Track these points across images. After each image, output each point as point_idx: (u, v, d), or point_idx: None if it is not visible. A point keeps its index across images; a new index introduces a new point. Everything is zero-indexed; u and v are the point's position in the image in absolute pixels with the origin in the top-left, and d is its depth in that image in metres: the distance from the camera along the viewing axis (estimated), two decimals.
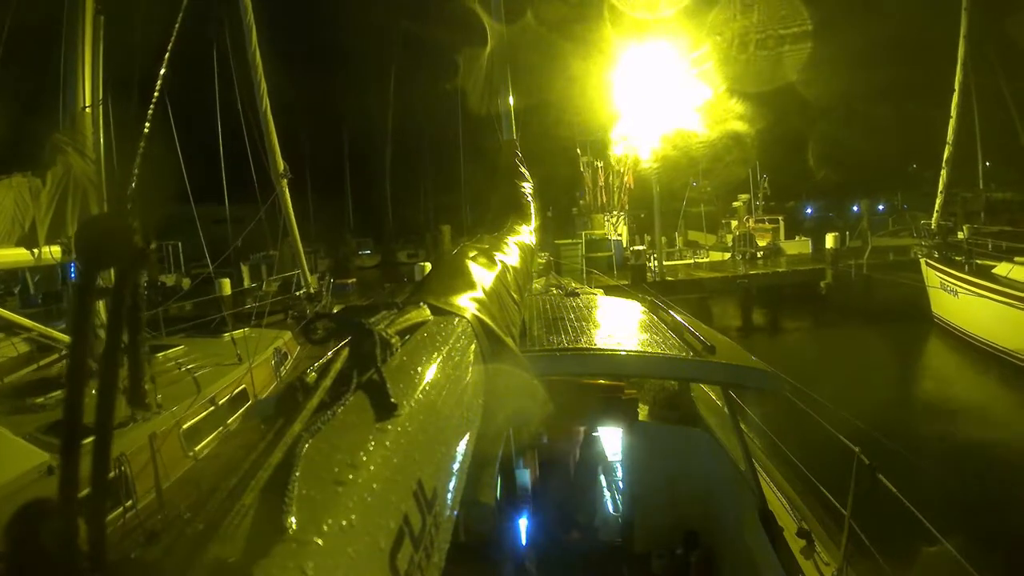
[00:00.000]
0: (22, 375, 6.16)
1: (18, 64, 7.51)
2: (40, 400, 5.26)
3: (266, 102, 9.54)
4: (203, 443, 6.02)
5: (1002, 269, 12.01)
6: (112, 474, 4.58)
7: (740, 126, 20.84)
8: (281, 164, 9.73)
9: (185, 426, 5.75)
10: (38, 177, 5.98)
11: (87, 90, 6.59)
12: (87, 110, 6.56)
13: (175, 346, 7.50)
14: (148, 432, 5.13)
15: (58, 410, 5.09)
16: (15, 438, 4.21)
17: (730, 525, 3.28)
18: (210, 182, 10.69)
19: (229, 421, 6.54)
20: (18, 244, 5.86)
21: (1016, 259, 11.77)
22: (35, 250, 5.93)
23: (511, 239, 2.60)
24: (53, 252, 6.06)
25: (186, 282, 17.60)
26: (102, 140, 6.69)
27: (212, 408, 6.27)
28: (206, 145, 10.74)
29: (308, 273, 11.05)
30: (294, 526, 0.53)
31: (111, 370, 0.56)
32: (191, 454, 5.78)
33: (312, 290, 10.92)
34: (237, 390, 6.83)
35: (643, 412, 3.98)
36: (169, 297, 11.62)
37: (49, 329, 6.42)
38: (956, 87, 14.73)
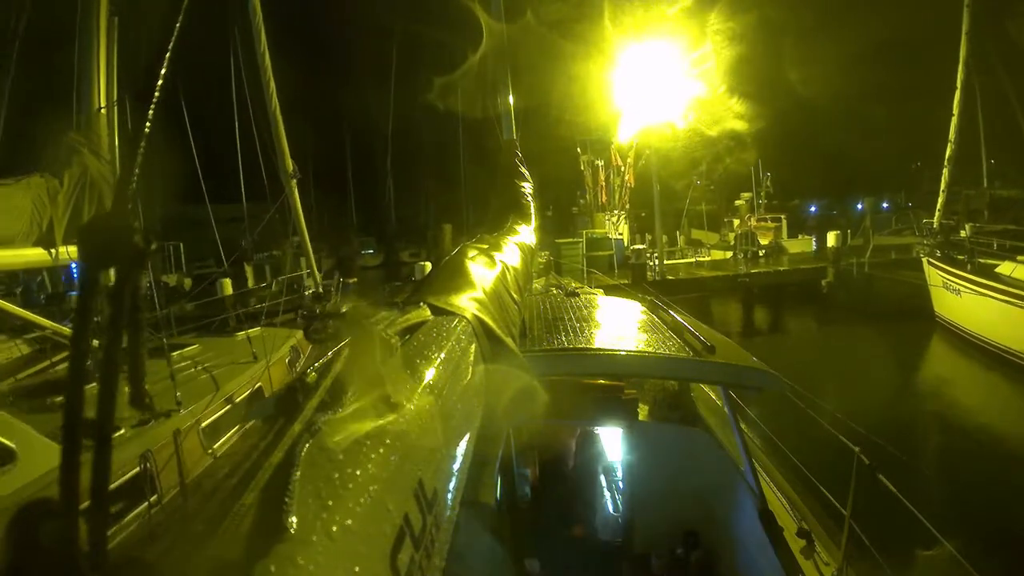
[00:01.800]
0: (37, 372, 6.20)
1: (33, 65, 7.52)
2: (58, 399, 5.28)
3: (275, 102, 9.55)
4: (222, 440, 6.06)
5: (1005, 268, 11.97)
6: (136, 470, 4.63)
7: (742, 125, 20.81)
8: (290, 164, 9.74)
9: (204, 424, 5.79)
10: (56, 178, 6.01)
11: (102, 91, 6.62)
12: (102, 111, 6.58)
13: (189, 345, 7.54)
14: (172, 429, 5.15)
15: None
16: (38, 436, 4.21)
17: (730, 525, 3.28)
18: (214, 182, 10.69)
19: (247, 418, 6.60)
20: (36, 244, 5.90)
21: (1019, 258, 11.73)
22: (53, 250, 5.97)
23: (511, 239, 2.60)
24: (71, 252, 6.09)
25: (187, 282, 17.62)
26: (117, 141, 6.71)
27: (230, 406, 6.31)
28: (211, 145, 10.75)
29: (318, 272, 11.07)
30: (294, 526, 0.53)
31: (111, 370, 0.56)
32: (211, 451, 5.83)
33: (321, 290, 10.93)
34: (254, 388, 6.88)
35: (643, 412, 3.99)
36: (173, 297, 11.63)
37: (63, 327, 6.45)
38: (958, 85, 14.69)
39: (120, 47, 6.83)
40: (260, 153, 9.83)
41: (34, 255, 5.92)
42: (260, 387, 6.98)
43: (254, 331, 8.40)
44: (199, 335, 8.57)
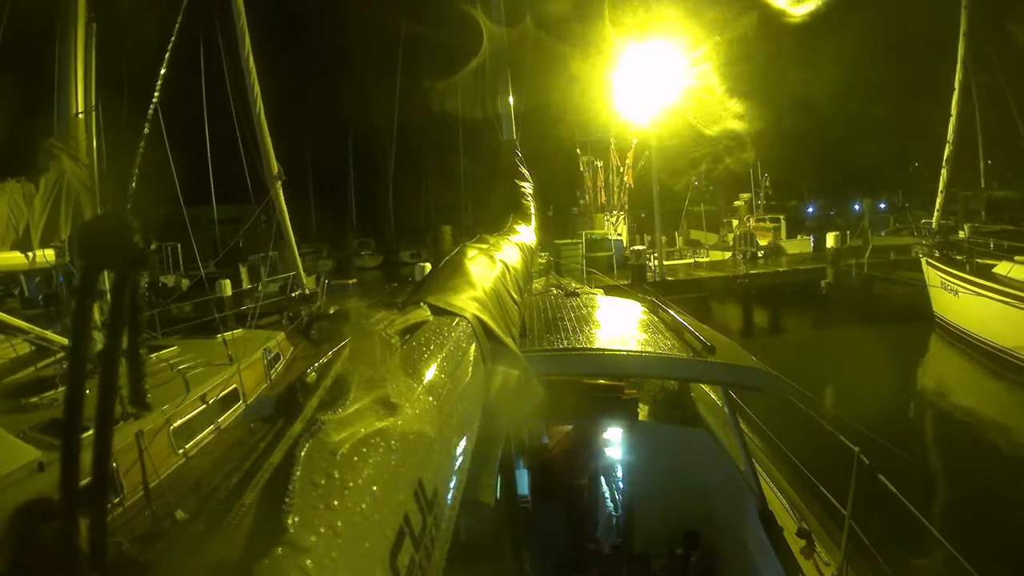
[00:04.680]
0: (18, 377, 6.21)
1: (11, 70, 7.53)
2: (35, 400, 5.33)
3: (259, 105, 9.56)
4: (192, 441, 6.09)
5: (1003, 268, 12.00)
6: None
7: (741, 125, 20.84)
8: (275, 166, 9.74)
9: (174, 425, 5.81)
10: (31, 182, 6.07)
11: (80, 95, 6.64)
12: (80, 115, 6.59)
13: (169, 346, 7.56)
14: (135, 430, 5.18)
15: (53, 408, 5.17)
16: (7, 435, 4.26)
17: (730, 525, 3.28)
18: (203, 184, 10.70)
19: (219, 420, 6.62)
20: (12, 248, 5.95)
21: (1017, 258, 11.76)
22: (29, 253, 6.01)
23: (511, 239, 2.60)
24: (47, 255, 6.14)
25: (184, 283, 17.62)
26: (95, 145, 6.74)
27: (202, 407, 6.33)
28: (201, 147, 10.76)
29: (303, 274, 11.08)
30: (294, 526, 0.53)
31: (111, 371, 0.56)
32: (180, 452, 5.84)
33: (308, 291, 10.94)
34: (227, 390, 6.90)
35: (643, 412, 3.99)
36: (167, 298, 11.64)
37: (44, 331, 6.47)
38: (956, 86, 14.72)
39: (98, 52, 6.83)
40: (243, 155, 9.85)
41: (10, 258, 5.96)
42: (235, 389, 7.00)
43: (236, 333, 8.45)
44: (182, 336, 8.61)
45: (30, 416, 4.97)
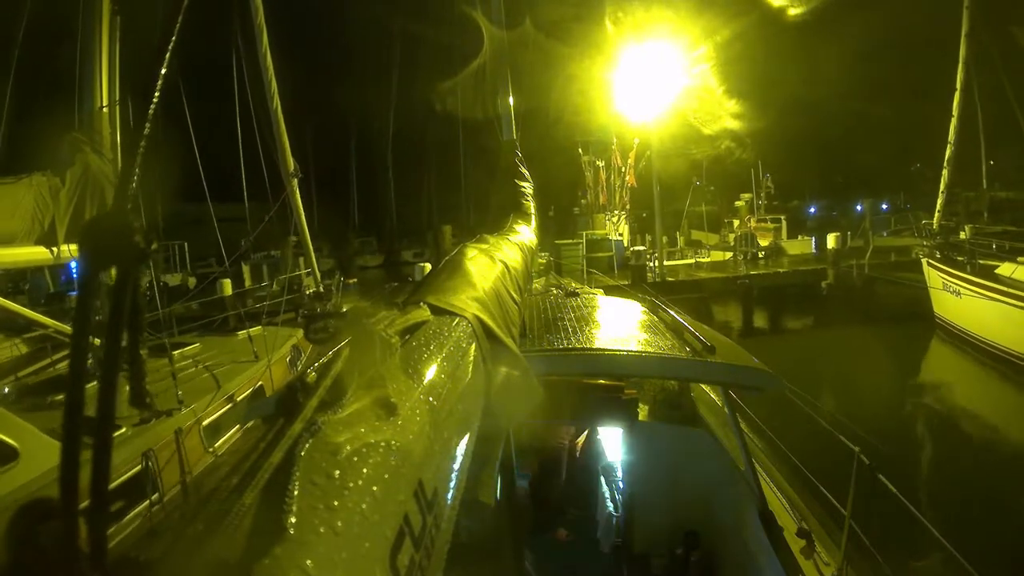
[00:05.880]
0: (39, 372, 6.22)
1: (35, 63, 7.54)
2: (60, 397, 5.31)
3: (277, 101, 9.55)
4: (223, 439, 6.07)
5: (1005, 269, 11.97)
6: (138, 468, 4.63)
7: (742, 125, 20.83)
8: (292, 163, 9.74)
9: (206, 422, 5.80)
10: (57, 176, 6.06)
11: (104, 89, 6.64)
12: (104, 109, 6.60)
13: (190, 344, 7.54)
14: (173, 427, 5.17)
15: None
16: (41, 434, 4.23)
17: (730, 525, 3.28)
18: (214, 181, 10.68)
19: (246, 418, 6.59)
20: (38, 242, 5.93)
21: (1019, 259, 11.73)
22: (54, 248, 6.00)
23: (511, 239, 2.59)
24: (71, 250, 6.13)
25: (191, 281, 17.66)
26: (118, 139, 6.74)
27: (232, 405, 6.31)
28: (212, 144, 10.74)
29: (318, 272, 11.07)
30: (294, 526, 0.53)
31: (111, 370, 0.56)
32: (211, 450, 5.83)
33: (321, 289, 10.93)
34: (255, 387, 6.88)
35: (643, 412, 3.99)
36: (173, 297, 11.64)
37: (65, 326, 6.46)
38: (958, 86, 14.70)
39: (122, 45, 6.85)
40: (261, 152, 9.82)
41: (36, 253, 5.95)
42: (261, 386, 6.98)
43: (255, 330, 8.44)
44: (200, 334, 8.59)
45: (56, 414, 4.94)
